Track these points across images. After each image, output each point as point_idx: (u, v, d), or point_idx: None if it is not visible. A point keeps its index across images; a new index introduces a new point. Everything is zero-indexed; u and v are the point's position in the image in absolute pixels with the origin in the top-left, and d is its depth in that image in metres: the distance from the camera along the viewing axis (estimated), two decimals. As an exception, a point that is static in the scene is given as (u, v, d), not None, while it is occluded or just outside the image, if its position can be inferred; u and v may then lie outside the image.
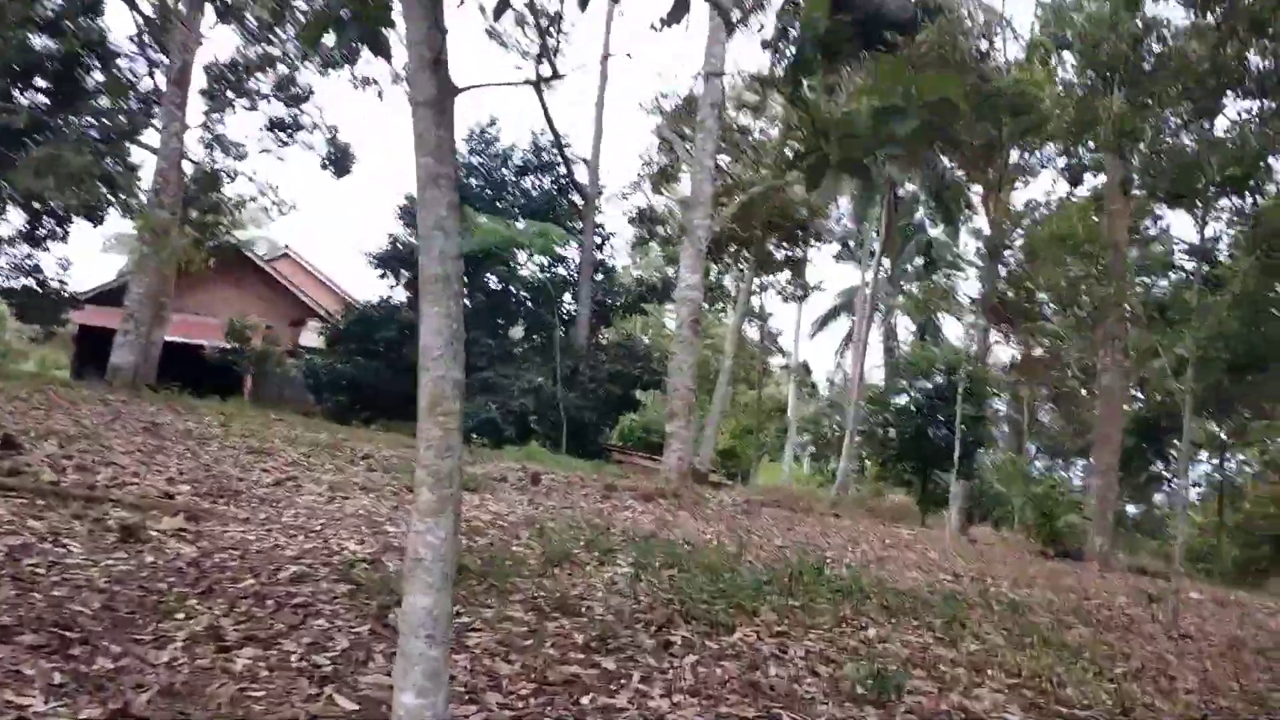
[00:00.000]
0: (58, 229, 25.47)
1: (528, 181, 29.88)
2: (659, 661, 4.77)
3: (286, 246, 37.89)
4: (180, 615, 4.30)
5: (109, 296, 29.21)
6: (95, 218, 25.27)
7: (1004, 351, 35.58)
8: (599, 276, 29.60)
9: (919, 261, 35.51)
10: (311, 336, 30.60)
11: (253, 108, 26.08)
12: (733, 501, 14.15)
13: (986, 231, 28.45)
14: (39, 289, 25.73)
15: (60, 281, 26.31)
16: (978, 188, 28.36)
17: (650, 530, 9.39)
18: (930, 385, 26.76)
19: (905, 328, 40.82)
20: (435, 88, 3.19)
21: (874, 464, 34.50)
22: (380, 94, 20.94)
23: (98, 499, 6.30)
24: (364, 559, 6.02)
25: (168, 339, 20.70)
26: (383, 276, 28.61)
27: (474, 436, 23.22)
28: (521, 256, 29.26)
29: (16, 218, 25.59)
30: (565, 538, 7.83)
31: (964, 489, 25.21)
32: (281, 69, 25.46)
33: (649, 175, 25.11)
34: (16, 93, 21.55)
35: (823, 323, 44.92)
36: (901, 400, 27.64)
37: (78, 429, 9.26)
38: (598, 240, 29.25)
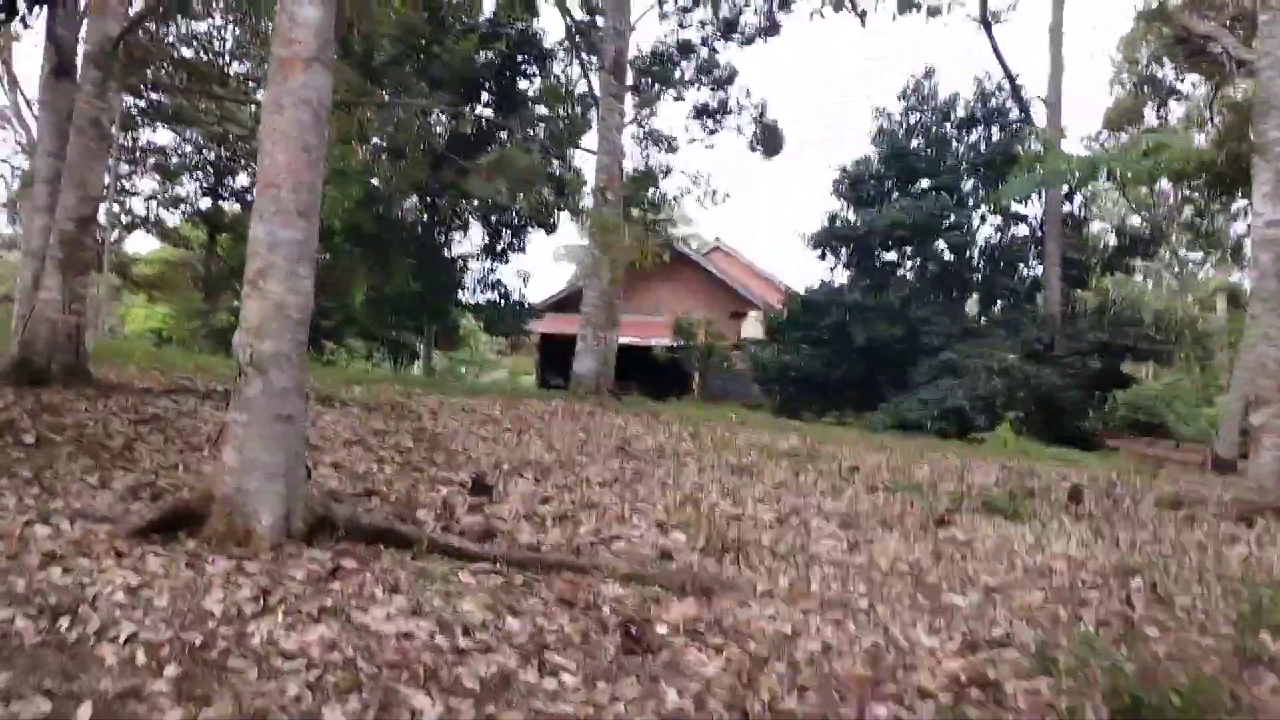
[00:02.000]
0: (514, 241, 26.85)
1: (974, 134, 26.46)
2: None
3: (717, 238, 37.67)
4: None
5: (564, 304, 30.51)
6: (547, 225, 26.23)
7: None
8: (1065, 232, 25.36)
9: None
10: (751, 328, 29.66)
11: (679, 98, 25.53)
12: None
13: None
14: (501, 301, 27.34)
15: (521, 293, 27.84)
16: None
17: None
18: None
19: None
20: None
21: None
22: (862, 15, 17.37)
23: (584, 568, 4.78)
24: (983, 681, 3.86)
25: (621, 341, 20.41)
26: (822, 258, 26.76)
27: (929, 425, 20.66)
28: (974, 219, 25.96)
29: (478, 235, 27.43)
30: (1207, 609, 5.13)
31: None
32: (703, 52, 24.62)
33: (1147, 96, 20.62)
34: (464, 105, 22.74)
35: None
36: None
37: (551, 456, 8.17)
38: (1065, 189, 25.02)
